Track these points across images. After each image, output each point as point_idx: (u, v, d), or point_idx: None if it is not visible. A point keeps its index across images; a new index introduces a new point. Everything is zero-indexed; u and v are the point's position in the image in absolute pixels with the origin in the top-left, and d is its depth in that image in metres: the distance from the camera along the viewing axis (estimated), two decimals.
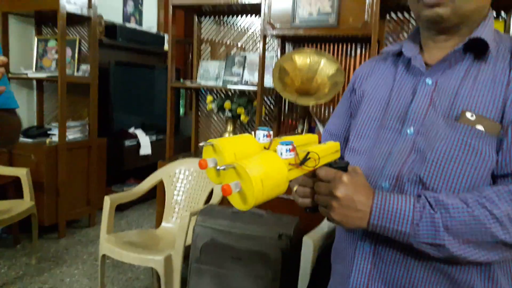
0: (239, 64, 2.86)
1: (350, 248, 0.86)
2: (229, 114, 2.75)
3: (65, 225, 3.34)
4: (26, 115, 3.56)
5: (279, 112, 2.87)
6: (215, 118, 3.10)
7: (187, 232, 2.11)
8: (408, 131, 0.80)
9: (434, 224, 0.69)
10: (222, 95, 2.99)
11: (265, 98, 2.87)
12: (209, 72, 2.97)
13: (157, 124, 4.25)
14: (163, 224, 2.61)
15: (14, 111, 1.18)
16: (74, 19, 3.33)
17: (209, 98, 2.86)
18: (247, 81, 2.77)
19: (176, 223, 2.55)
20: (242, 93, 2.89)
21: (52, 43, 3.37)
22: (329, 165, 0.75)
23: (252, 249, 1.94)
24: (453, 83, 0.79)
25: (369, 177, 0.82)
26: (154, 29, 4.56)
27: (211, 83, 2.85)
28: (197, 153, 3.07)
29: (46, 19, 3.30)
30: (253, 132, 0.74)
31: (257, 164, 0.63)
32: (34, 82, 3.60)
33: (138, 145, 3.99)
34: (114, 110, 3.87)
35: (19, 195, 2.88)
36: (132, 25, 4.48)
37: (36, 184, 3.00)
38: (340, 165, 0.76)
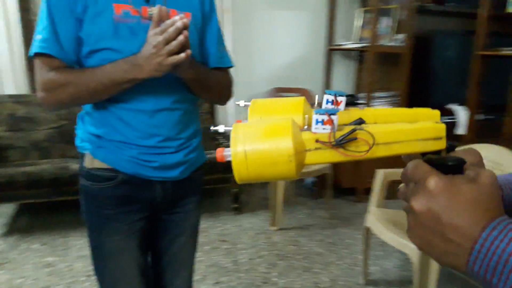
0: None
1: None
2: None
3: (363, 192, 3.48)
4: (345, 84, 3.85)
5: None
6: None
7: None
8: None
9: None
10: None
11: None
12: None
13: (485, 102, 3.67)
14: None
15: (226, 70, 1.27)
16: None
17: None
18: None
19: None
20: None
21: (372, 14, 3.44)
22: (428, 158, 0.48)
23: None
24: None
25: None
26: None
27: None
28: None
29: None
30: None
31: (252, 130, 0.48)
32: (355, 53, 3.81)
33: (454, 124, 3.59)
34: (431, 83, 3.60)
35: None
36: None
37: None
38: (448, 161, 0.47)
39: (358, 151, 0.49)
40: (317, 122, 0.49)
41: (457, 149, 0.53)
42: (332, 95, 0.55)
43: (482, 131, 3.41)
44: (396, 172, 2.35)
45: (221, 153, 0.49)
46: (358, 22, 3.67)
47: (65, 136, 3.04)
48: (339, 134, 0.49)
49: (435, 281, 1.89)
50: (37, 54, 1.02)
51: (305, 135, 0.50)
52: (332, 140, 0.49)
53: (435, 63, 3.58)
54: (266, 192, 3.41)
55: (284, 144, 0.48)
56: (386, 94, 3.41)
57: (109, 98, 1.05)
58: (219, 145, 3.15)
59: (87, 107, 1.13)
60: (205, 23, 1.18)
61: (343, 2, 3.74)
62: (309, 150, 0.49)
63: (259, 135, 0.49)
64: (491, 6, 2.75)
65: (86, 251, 2.54)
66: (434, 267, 1.89)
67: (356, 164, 3.38)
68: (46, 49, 1.00)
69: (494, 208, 0.44)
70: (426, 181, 0.45)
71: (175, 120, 1.13)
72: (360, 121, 0.54)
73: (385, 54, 3.35)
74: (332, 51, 3.73)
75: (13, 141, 2.94)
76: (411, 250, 1.93)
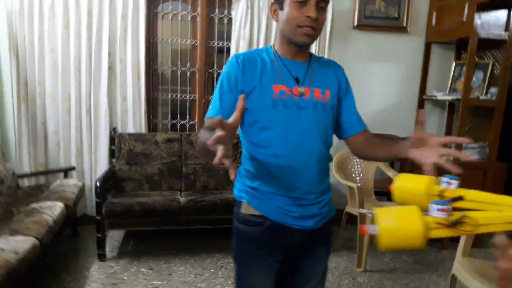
0: None
1: None
2: None
3: (449, 239, 3.47)
4: (436, 133, 3.90)
5: None
6: None
7: None
8: None
9: None
10: None
11: None
12: None
13: None
14: None
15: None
16: (491, 43, 3.34)
17: None
18: None
19: None
20: None
21: (465, 67, 3.51)
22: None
23: None
24: None
25: None
26: None
27: None
28: None
29: (465, 45, 3.49)
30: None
31: (392, 215, 0.74)
32: (447, 103, 3.87)
33: None
34: None
35: None
36: None
37: None
38: None
39: (466, 230, 0.72)
40: (437, 210, 0.73)
41: None
42: (449, 179, 0.83)
43: None
44: None
45: (366, 229, 0.74)
46: (451, 74, 3.75)
47: (174, 171, 3.46)
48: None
49: None
50: (208, 118, 1.33)
51: (429, 219, 0.74)
52: (448, 222, 0.73)
53: None
54: (350, 234, 3.56)
55: (417, 227, 0.73)
56: (475, 145, 3.42)
57: (265, 157, 1.32)
58: None
59: (245, 164, 1.40)
60: (342, 96, 1.44)
61: (438, 55, 3.87)
62: (431, 228, 0.74)
63: (399, 220, 0.75)
64: None
65: (188, 278, 2.88)
66: None
67: None
68: (211, 114, 1.32)
69: None
70: (507, 248, 0.66)
71: (314, 176, 1.36)
72: (460, 198, 0.79)
73: (478, 106, 3.38)
74: (424, 100, 3.83)
75: (130, 173, 3.42)
76: None
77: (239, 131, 1.39)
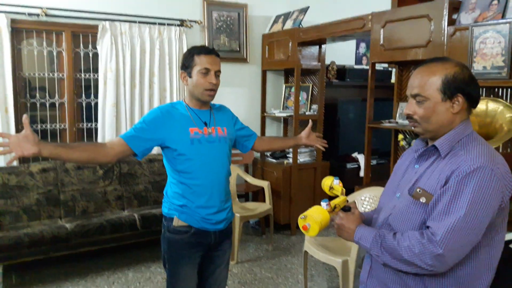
0: None
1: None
2: None
3: (296, 226, 4.42)
4: None
5: None
6: None
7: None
8: (397, 195, 1.38)
9: (378, 244, 1.28)
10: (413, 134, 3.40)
11: None
12: None
13: (378, 150, 4.86)
14: None
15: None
16: (309, 70, 4.41)
17: (400, 136, 3.35)
18: None
19: None
20: None
21: (294, 89, 4.52)
22: (341, 208, 1.44)
23: None
24: (422, 169, 1.31)
25: (379, 216, 1.43)
26: (382, 65, 5.20)
27: (406, 122, 3.34)
28: None
29: (291, 72, 4.50)
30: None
31: (318, 214, 1.35)
32: (281, 118, 4.87)
33: (358, 168, 4.74)
34: (340, 138, 4.74)
35: (264, 199, 4.13)
36: (361, 66, 5.28)
37: (275, 192, 4.19)
38: (345, 208, 1.45)
39: (337, 211, 1.42)
40: (326, 205, 1.38)
41: (350, 200, 1.49)
42: (335, 179, 1.53)
43: (377, 173, 4.57)
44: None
45: (306, 227, 1.33)
46: (283, 95, 4.74)
47: (52, 200, 3.59)
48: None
49: (352, 285, 2.82)
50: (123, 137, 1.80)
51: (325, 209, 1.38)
52: (331, 210, 1.39)
53: (341, 122, 4.75)
54: None
55: (328, 216, 1.37)
56: (307, 149, 4.45)
57: (189, 180, 1.83)
58: None
59: (172, 187, 1.89)
60: (236, 127, 2.09)
61: (272, 80, 4.83)
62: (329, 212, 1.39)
63: (321, 215, 1.34)
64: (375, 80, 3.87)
65: None
66: (351, 275, 2.82)
67: (290, 204, 4.33)
68: (123, 135, 1.81)
69: (359, 221, 1.38)
70: (339, 214, 1.40)
71: (223, 189, 1.93)
72: (331, 187, 1.54)
73: (304, 120, 4.41)
74: (265, 117, 4.74)
75: (6, 207, 3.43)
76: (336, 262, 2.85)
77: (164, 163, 1.92)
